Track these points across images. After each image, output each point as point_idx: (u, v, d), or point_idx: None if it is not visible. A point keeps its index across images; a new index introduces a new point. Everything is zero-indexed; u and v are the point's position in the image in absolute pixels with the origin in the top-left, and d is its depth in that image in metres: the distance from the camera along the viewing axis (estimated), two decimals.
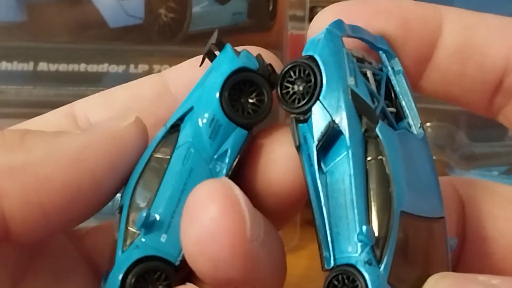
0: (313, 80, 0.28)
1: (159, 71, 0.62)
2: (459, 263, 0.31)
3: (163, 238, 0.28)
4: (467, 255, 0.31)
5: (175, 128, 0.29)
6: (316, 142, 0.28)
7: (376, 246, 0.26)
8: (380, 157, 0.27)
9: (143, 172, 0.29)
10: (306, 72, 0.28)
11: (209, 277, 0.26)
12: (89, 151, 0.28)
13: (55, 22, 0.59)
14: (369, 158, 0.27)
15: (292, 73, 0.29)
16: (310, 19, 0.57)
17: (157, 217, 0.28)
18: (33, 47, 0.59)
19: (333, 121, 0.27)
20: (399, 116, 0.29)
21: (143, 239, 0.28)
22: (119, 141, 0.29)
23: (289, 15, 0.58)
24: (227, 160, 0.29)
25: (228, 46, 0.30)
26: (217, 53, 0.30)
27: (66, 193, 0.27)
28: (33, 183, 0.27)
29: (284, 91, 0.29)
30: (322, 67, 0.28)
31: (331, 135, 0.28)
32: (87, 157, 0.28)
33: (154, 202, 0.28)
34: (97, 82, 0.60)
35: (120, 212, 0.29)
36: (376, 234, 0.26)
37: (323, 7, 0.60)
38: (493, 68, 0.30)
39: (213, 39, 0.30)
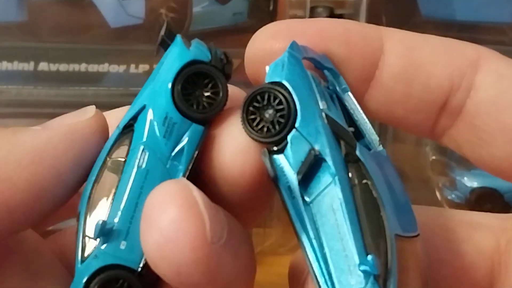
0: (286, 107, 0.26)
1: None
2: None
3: (123, 245, 0.27)
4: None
5: (128, 128, 0.28)
6: (297, 173, 0.26)
7: (378, 275, 0.25)
8: (365, 181, 0.26)
9: (98, 176, 0.28)
10: (276, 100, 0.27)
11: (173, 282, 0.26)
12: (51, 147, 0.28)
13: (55, 22, 0.59)
14: (354, 183, 0.26)
15: (255, 102, 0.27)
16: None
17: (115, 224, 0.27)
18: (34, 47, 0.59)
19: (313, 148, 0.26)
20: (357, 135, 0.28)
21: (102, 248, 0.27)
22: (79, 135, 0.29)
23: (289, 15, 0.58)
24: (184, 158, 0.28)
25: (178, 37, 0.28)
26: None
27: (30, 191, 0.27)
28: None
29: (250, 117, 0.27)
30: (293, 94, 0.26)
31: (313, 164, 0.26)
32: (49, 154, 0.28)
33: (111, 208, 0.27)
34: (98, 82, 0.60)
35: (78, 219, 0.28)
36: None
37: (323, 7, 0.61)
38: (438, 88, 0.29)
39: (163, 30, 0.28)
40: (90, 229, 0.27)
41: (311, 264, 0.26)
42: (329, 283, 0.25)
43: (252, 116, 0.27)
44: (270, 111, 0.27)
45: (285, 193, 0.26)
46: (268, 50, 0.29)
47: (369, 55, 0.29)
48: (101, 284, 0.27)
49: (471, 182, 0.64)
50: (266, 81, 0.27)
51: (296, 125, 0.26)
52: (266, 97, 0.27)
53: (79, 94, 0.59)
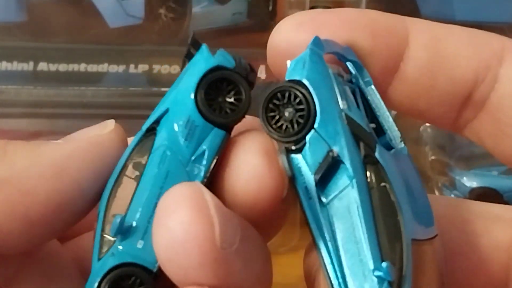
0: (305, 107, 0.26)
1: (159, 71, 0.63)
2: None
3: (140, 244, 0.27)
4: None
5: (151, 131, 0.29)
6: (314, 174, 0.26)
7: (393, 281, 0.24)
8: (383, 184, 0.26)
9: (119, 177, 0.28)
10: (297, 99, 0.26)
11: (182, 285, 0.26)
12: (72, 160, 0.28)
13: (55, 22, 0.59)
14: (372, 186, 0.26)
15: (276, 100, 0.27)
16: None
17: (133, 222, 0.27)
18: (33, 47, 0.59)
19: (332, 150, 0.26)
20: (378, 131, 0.28)
21: (119, 246, 0.27)
22: (101, 148, 0.29)
23: (289, 15, 0.58)
24: (204, 162, 0.28)
25: (203, 46, 0.29)
26: None
27: (51, 204, 0.27)
28: (17, 196, 0.27)
29: (269, 115, 0.27)
30: (314, 94, 0.26)
31: (331, 165, 0.26)
32: (71, 167, 0.28)
33: (130, 207, 0.27)
34: (97, 82, 0.60)
35: (97, 219, 0.28)
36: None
37: (323, 7, 0.61)
38: (463, 80, 0.29)
39: (189, 40, 0.29)
40: (109, 228, 0.27)
41: (325, 266, 0.26)
42: (342, 285, 0.25)
43: (272, 114, 0.27)
44: (290, 110, 0.26)
45: (302, 193, 0.26)
46: (291, 41, 0.28)
47: (394, 46, 0.29)
48: (114, 280, 0.27)
49: (470, 182, 0.64)
50: (286, 79, 0.27)
51: (315, 125, 0.26)
52: (286, 95, 0.26)
53: (79, 94, 0.59)
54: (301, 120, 0.26)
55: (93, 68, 0.59)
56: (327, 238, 0.26)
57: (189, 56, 0.29)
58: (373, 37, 0.29)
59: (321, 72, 0.26)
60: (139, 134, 0.29)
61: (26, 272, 0.29)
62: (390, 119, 0.28)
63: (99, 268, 0.27)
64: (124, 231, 0.27)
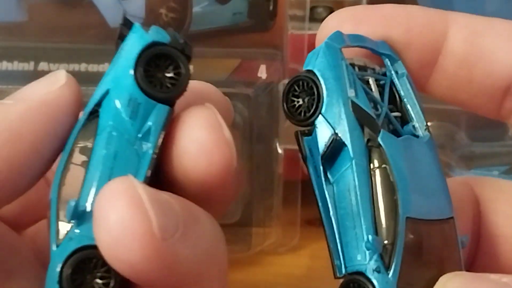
0: (316, 94, 0.29)
1: None
2: (474, 262, 0.31)
3: None
4: (482, 253, 0.32)
5: (94, 114, 0.29)
6: (321, 154, 0.29)
7: (384, 253, 0.27)
8: (383, 165, 0.28)
9: (67, 163, 0.28)
10: (309, 85, 0.29)
11: (133, 279, 0.26)
12: (26, 123, 0.28)
13: (55, 22, 0.59)
14: (373, 167, 0.28)
15: (296, 87, 0.30)
16: (310, 19, 0.58)
17: (87, 205, 0.27)
18: (34, 47, 0.59)
19: (336, 133, 0.28)
20: (405, 119, 0.30)
21: (76, 230, 0.27)
22: (54, 107, 0.29)
23: (289, 15, 0.58)
24: (151, 138, 0.28)
25: (137, 24, 0.29)
26: None
27: (9, 168, 0.27)
28: None
29: (290, 105, 0.30)
30: (321, 81, 0.29)
31: (335, 147, 0.29)
32: (25, 130, 0.28)
33: (82, 191, 0.28)
34: (97, 82, 0.60)
35: (50, 206, 0.28)
36: (384, 242, 0.27)
37: (323, 7, 0.61)
38: (501, 74, 0.30)
39: (121, 20, 0.30)
40: (64, 213, 0.27)
41: (327, 238, 0.29)
42: (340, 256, 0.28)
43: (292, 101, 0.30)
44: (306, 97, 0.30)
45: (312, 172, 0.30)
46: None
47: (431, 41, 0.31)
48: (75, 264, 0.27)
49: None
50: (303, 69, 0.30)
51: (322, 110, 0.29)
52: (300, 84, 0.30)
53: None
54: (312, 106, 0.29)
55: (93, 68, 0.59)
56: (331, 213, 0.29)
57: (121, 37, 0.30)
58: (407, 32, 0.31)
59: (332, 63, 0.29)
60: (82, 118, 0.29)
61: None
62: (418, 109, 0.31)
63: (59, 254, 0.27)
64: (79, 215, 0.27)
